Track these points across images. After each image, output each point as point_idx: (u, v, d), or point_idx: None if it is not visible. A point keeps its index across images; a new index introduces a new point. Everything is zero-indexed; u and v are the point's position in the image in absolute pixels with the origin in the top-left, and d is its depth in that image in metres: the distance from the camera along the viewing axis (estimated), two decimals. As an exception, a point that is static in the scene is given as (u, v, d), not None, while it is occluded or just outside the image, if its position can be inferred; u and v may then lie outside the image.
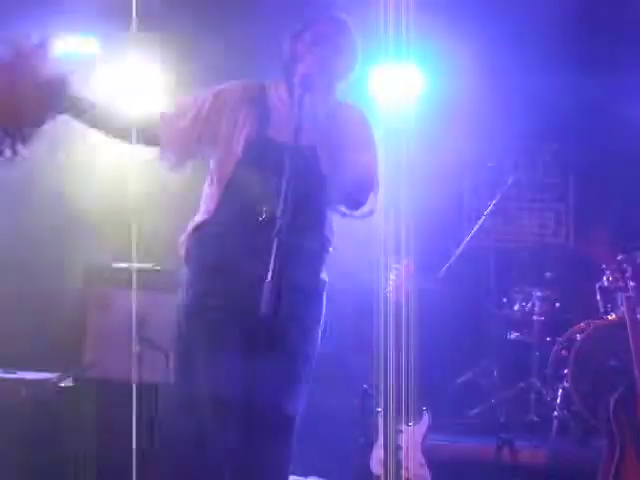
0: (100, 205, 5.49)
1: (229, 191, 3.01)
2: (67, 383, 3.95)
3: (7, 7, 5.60)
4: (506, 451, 4.64)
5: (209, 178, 3.11)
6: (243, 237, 2.96)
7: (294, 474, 4.40)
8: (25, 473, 3.70)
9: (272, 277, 2.42)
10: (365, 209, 3.05)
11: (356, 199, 3.03)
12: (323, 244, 3.09)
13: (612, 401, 4.12)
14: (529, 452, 4.86)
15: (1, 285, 5.60)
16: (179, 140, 3.04)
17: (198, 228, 3.07)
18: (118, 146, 3.12)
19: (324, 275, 3.11)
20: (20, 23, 5.64)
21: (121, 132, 3.02)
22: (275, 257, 2.45)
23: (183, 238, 3.12)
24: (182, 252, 3.12)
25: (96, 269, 4.73)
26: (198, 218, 3.09)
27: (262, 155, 2.98)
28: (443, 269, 5.91)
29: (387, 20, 4.55)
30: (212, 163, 3.10)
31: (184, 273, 3.10)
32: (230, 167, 3.01)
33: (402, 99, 5.89)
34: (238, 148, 3.01)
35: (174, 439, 3.04)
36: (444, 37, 5.62)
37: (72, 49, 5.85)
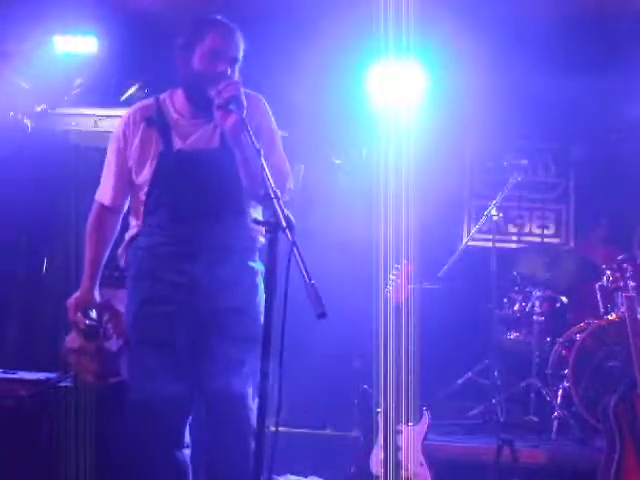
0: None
1: (151, 206, 3.21)
2: (67, 383, 3.94)
3: (7, 7, 5.60)
4: (506, 451, 4.63)
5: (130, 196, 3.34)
6: (175, 247, 3.17)
7: (294, 474, 4.41)
8: (25, 473, 3.69)
9: (310, 278, 2.49)
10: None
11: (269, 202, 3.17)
12: (252, 238, 3.26)
13: (612, 401, 4.12)
14: (529, 452, 4.85)
15: (1, 285, 5.60)
16: (120, 190, 3.29)
17: (131, 240, 3.30)
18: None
19: (256, 265, 3.27)
20: (21, 22, 5.64)
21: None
22: (302, 260, 2.51)
23: (121, 250, 3.35)
24: (122, 263, 3.36)
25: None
26: (131, 231, 3.31)
27: (175, 167, 3.17)
28: (443, 269, 5.90)
29: (388, 16, 4.55)
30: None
31: (128, 281, 3.33)
32: (145, 184, 3.21)
33: (403, 96, 5.89)
34: (148, 165, 3.19)
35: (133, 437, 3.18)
36: (446, 34, 5.62)
37: (72, 49, 5.86)
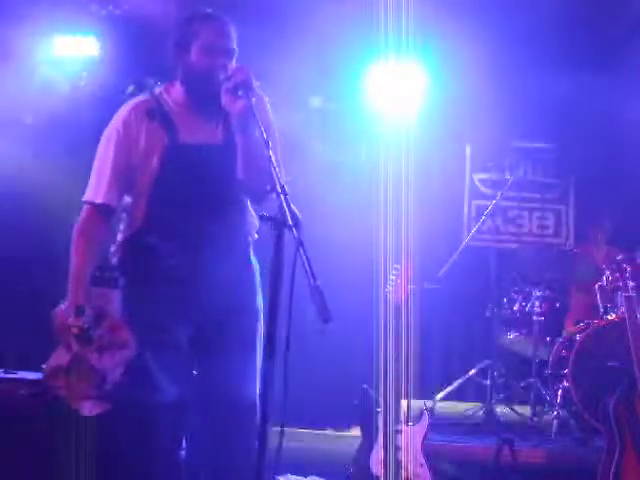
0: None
1: (155, 202, 3.12)
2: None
3: (7, 7, 5.60)
4: (506, 451, 4.63)
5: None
6: (178, 243, 3.09)
7: (294, 474, 4.41)
8: (25, 473, 3.69)
9: (315, 279, 2.40)
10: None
11: (262, 196, 3.02)
12: (249, 234, 3.23)
13: (612, 401, 4.11)
14: (529, 452, 4.85)
15: (1, 285, 5.60)
16: (116, 188, 3.12)
17: (129, 239, 3.18)
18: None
19: (254, 261, 3.24)
20: (21, 23, 5.64)
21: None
22: (308, 260, 2.43)
23: (113, 248, 3.23)
24: (115, 261, 3.24)
25: (96, 269, 4.72)
26: (127, 230, 3.19)
27: (181, 161, 3.09)
28: (443, 269, 5.90)
29: (388, 16, 4.55)
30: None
31: (122, 281, 3.23)
32: (150, 179, 3.11)
33: (403, 96, 5.88)
34: (153, 160, 3.09)
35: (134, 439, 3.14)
36: (446, 34, 5.63)
37: (72, 49, 5.86)
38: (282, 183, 2.56)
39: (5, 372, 4.01)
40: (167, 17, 5.55)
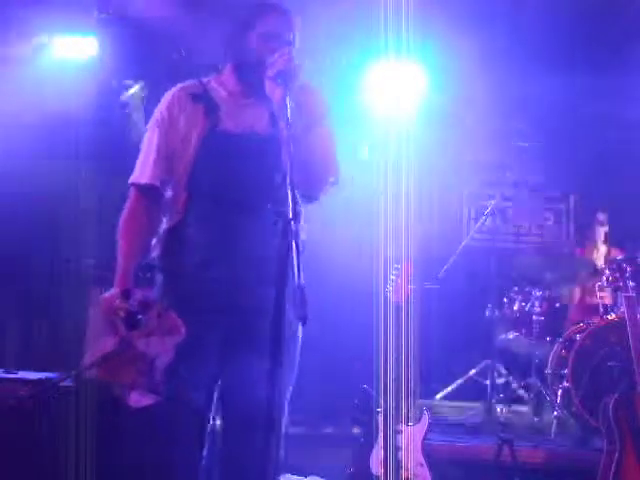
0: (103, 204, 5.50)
1: (193, 191, 3.02)
2: (67, 383, 3.94)
3: (7, 7, 5.61)
4: (506, 451, 4.63)
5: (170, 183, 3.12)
6: (219, 234, 2.97)
7: (294, 474, 4.41)
8: (25, 473, 3.69)
9: (300, 278, 2.34)
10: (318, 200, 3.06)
11: (311, 194, 3.01)
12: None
13: (612, 401, 4.12)
14: (529, 452, 4.85)
15: (1, 285, 5.61)
16: (160, 169, 3.05)
17: (171, 230, 3.06)
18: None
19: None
20: (20, 24, 5.64)
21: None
22: (298, 257, 2.38)
23: (155, 241, 3.11)
24: (156, 254, 3.11)
25: (97, 269, 4.74)
26: (169, 221, 3.08)
27: (221, 150, 3.00)
28: (443, 269, 5.91)
29: (388, 16, 4.55)
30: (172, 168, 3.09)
31: (159, 277, 3.10)
32: (189, 167, 3.02)
33: (403, 96, 5.89)
34: (192, 147, 3.01)
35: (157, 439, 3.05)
36: (446, 34, 5.63)
37: (71, 50, 5.86)
38: (292, 177, 2.51)
39: (6, 372, 4.01)
40: (166, 18, 5.56)
